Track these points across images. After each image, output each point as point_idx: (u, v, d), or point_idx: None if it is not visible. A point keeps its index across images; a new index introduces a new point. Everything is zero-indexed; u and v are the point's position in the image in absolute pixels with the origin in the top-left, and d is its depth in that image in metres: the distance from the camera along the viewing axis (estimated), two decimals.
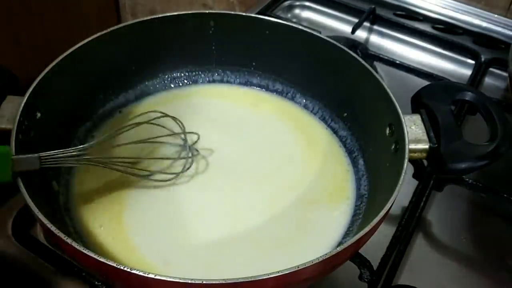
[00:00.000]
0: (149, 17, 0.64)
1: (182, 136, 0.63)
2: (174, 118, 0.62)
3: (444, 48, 0.87)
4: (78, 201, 0.57)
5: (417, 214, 0.61)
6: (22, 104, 0.51)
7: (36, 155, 0.48)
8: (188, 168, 0.60)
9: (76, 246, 0.41)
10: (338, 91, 0.66)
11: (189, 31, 0.67)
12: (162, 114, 0.61)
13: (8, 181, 0.47)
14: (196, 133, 0.64)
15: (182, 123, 0.62)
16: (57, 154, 0.49)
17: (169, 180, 0.59)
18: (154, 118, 0.60)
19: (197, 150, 0.62)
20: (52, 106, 0.56)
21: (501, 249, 0.61)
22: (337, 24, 0.93)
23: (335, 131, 0.66)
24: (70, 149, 0.51)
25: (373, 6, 0.91)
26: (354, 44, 0.84)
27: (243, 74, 0.71)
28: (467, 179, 0.63)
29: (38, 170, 0.48)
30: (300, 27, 0.66)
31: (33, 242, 0.56)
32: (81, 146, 0.52)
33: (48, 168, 0.49)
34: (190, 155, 0.61)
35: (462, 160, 0.52)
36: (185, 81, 0.71)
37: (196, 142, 0.63)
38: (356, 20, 0.88)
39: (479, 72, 0.82)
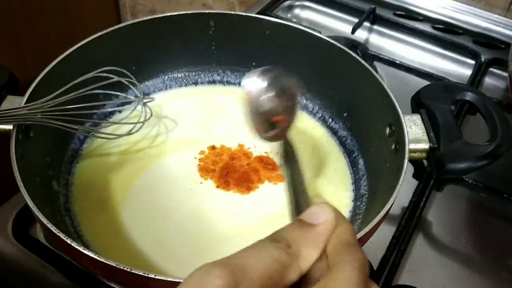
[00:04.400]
0: (149, 17, 0.65)
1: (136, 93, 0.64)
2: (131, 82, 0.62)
3: (444, 48, 0.87)
4: (78, 201, 0.57)
5: (417, 214, 0.61)
6: (22, 104, 0.51)
7: None
8: (141, 123, 0.61)
9: (76, 246, 0.41)
10: (338, 91, 0.66)
11: (189, 31, 0.67)
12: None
13: None
14: (151, 98, 0.65)
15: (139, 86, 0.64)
16: (6, 113, 0.50)
17: (117, 135, 0.61)
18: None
19: (150, 110, 0.63)
20: None
21: (501, 249, 0.61)
22: (337, 24, 0.93)
23: (335, 132, 0.66)
24: (20, 106, 0.51)
25: (373, 6, 0.91)
26: (354, 44, 0.84)
27: (243, 74, 0.71)
28: (467, 179, 0.63)
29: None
30: (300, 27, 0.66)
31: (33, 242, 0.56)
32: (32, 103, 0.51)
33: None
34: (143, 110, 0.62)
35: (462, 160, 0.52)
36: (185, 81, 0.71)
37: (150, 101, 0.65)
38: (356, 20, 0.88)
39: (479, 72, 0.82)
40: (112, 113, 0.66)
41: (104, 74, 0.57)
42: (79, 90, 0.55)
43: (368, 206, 0.57)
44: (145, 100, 0.63)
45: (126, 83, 0.60)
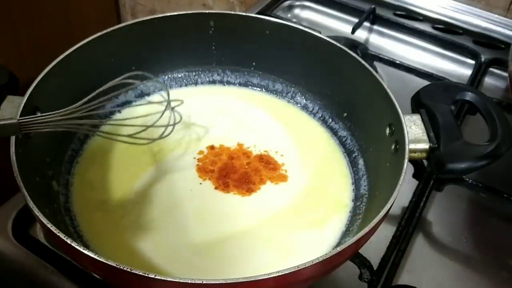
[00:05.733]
0: (149, 17, 0.65)
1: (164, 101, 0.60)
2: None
3: (444, 48, 0.87)
4: (78, 201, 0.57)
5: (417, 214, 0.61)
6: (22, 104, 0.51)
7: (15, 120, 0.48)
8: (172, 126, 0.59)
9: (76, 246, 0.41)
10: (338, 91, 0.66)
11: (189, 31, 0.67)
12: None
13: None
14: (180, 100, 0.62)
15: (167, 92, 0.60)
16: (37, 119, 0.49)
17: (151, 139, 0.58)
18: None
19: (180, 115, 0.61)
20: (52, 106, 0.56)
21: (501, 249, 0.61)
22: (337, 24, 0.93)
23: (335, 132, 0.66)
24: (50, 113, 0.50)
25: (373, 6, 0.91)
26: (354, 44, 0.84)
27: (243, 74, 0.71)
28: (467, 179, 0.63)
29: (19, 136, 0.48)
30: (300, 27, 0.66)
31: (33, 242, 0.56)
32: (62, 110, 0.51)
33: (28, 133, 0.49)
34: (172, 116, 0.60)
35: (462, 160, 0.52)
36: (185, 81, 0.71)
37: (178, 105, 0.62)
38: (356, 20, 0.88)
39: (479, 72, 0.82)
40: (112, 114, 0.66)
41: (130, 80, 0.56)
42: (108, 95, 0.54)
43: (368, 206, 0.57)
44: (173, 104, 0.61)
45: (150, 85, 0.58)
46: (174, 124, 0.60)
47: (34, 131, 0.50)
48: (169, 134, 0.60)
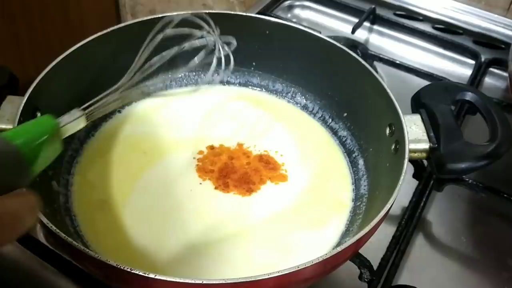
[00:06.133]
0: (149, 17, 0.64)
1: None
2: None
3: (444, 48, 0.87)
4: (78, 201, 0.57)
5: (417, 214, 0.61)
6: (22, 104, 0.51)
7: (80, 112, 0.47)
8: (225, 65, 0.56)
9: (76, 246, 0.41)
10: (338, 91, 0.66)
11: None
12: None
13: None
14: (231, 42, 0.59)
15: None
16: (99, 105, 0.48)
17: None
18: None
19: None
20: (52, 106, 0.55)
21: (501, 249, 0.61)
22: (337, 24, 0.93)
23: (335, 132, 0.66)
24: (106, 93, 0.50)
25: (373, 6, 0.91)
26: (354, 44, 0.84)
27: (243, 74, 0.71)
28: (467, 179, 0.63)
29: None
30: (300, 27, 0.66)
31: (33, 242, 0.56)
32: (116, 86, 0.50)
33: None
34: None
35: (462, 160, 0.52)
36: (185, 81, 0.71)
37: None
38: (356, 20, 0.88)
39: (479, 72, 0.82)
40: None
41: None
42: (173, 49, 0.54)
43: (368, 206, 0.57)
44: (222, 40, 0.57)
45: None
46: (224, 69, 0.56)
47: (97, 117, 0.50)
48: (222, 79, 0.57)
